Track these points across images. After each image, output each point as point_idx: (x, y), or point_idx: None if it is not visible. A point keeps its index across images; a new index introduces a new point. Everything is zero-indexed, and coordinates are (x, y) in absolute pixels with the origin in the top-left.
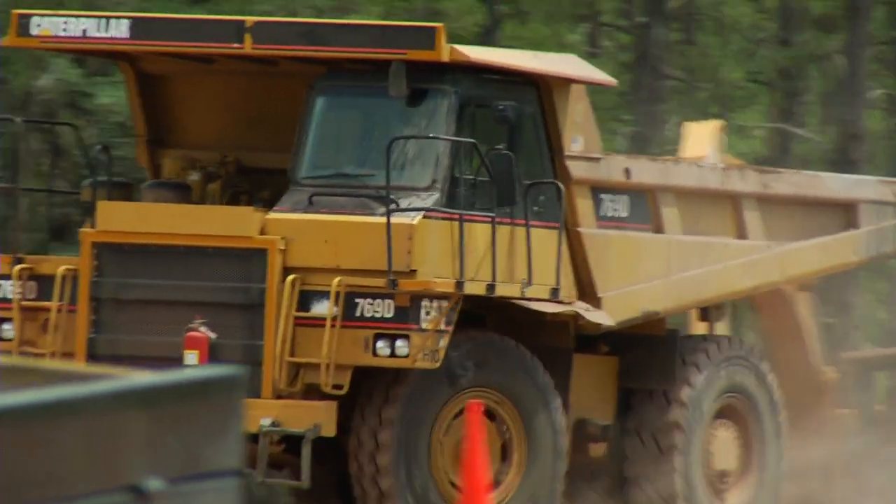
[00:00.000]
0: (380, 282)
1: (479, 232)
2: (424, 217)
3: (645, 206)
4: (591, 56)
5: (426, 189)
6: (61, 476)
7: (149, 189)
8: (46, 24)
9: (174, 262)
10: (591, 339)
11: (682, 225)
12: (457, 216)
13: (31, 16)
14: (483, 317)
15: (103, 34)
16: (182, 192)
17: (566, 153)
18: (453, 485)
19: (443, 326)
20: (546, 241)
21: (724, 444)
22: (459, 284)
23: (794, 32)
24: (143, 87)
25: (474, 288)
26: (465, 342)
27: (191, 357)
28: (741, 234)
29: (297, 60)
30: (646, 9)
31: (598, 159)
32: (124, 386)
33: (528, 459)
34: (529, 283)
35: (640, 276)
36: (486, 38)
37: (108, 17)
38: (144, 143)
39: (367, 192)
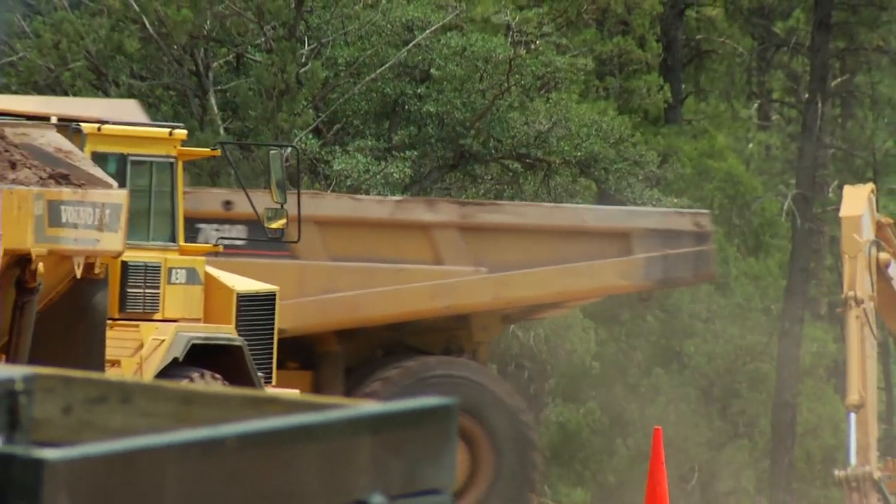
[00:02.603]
0: None
1: None
2: None
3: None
4: (762, 128)
5: None
6: (300, 493)
7: None
8: None
9: None
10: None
11: (328, 251)
12: None
13: None
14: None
15: None
16: None
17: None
18: None
19: None
20: None
21: None
22: None
23: None
24: None
25: None
26: None
27: None
28: (437, 259)
29: None
30: (810, 87)
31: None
32: (354, 414)
33: None
34: None
35: None
36: (670, 112)
37: None
38: None
39: None
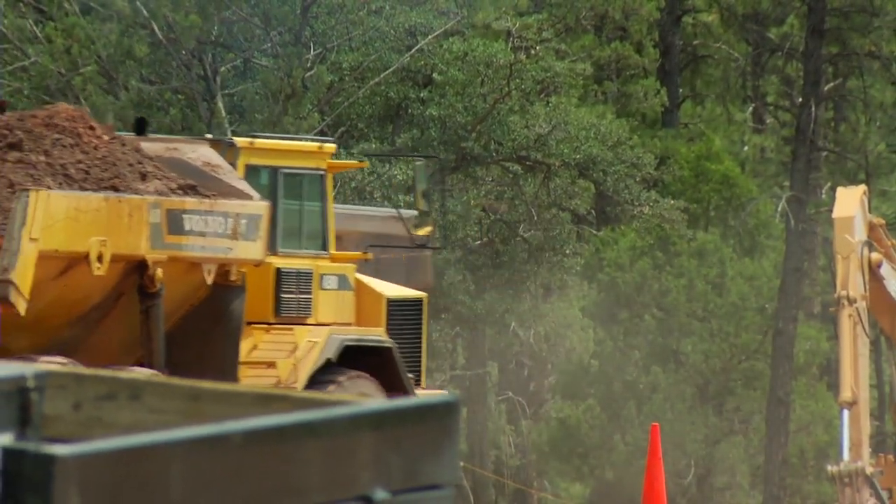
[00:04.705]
0: None
1: None
2: None
3: None
4: (756, 131)
5: None
6: (304, 488)
7: None
8: None
9: None
10: None
11: None
12: None
13: None
14: None
15: None
16: None
17: None
18: None
19: None
20: None
21: None
22: None
23: None
24: None
25: None
26: None
27: None
28: None
29: None
30: (804, 91)
31: None
32: (357, 411)
33: None
34: None
35: None
36: (667, 116)
37: None
38: None
39: None
